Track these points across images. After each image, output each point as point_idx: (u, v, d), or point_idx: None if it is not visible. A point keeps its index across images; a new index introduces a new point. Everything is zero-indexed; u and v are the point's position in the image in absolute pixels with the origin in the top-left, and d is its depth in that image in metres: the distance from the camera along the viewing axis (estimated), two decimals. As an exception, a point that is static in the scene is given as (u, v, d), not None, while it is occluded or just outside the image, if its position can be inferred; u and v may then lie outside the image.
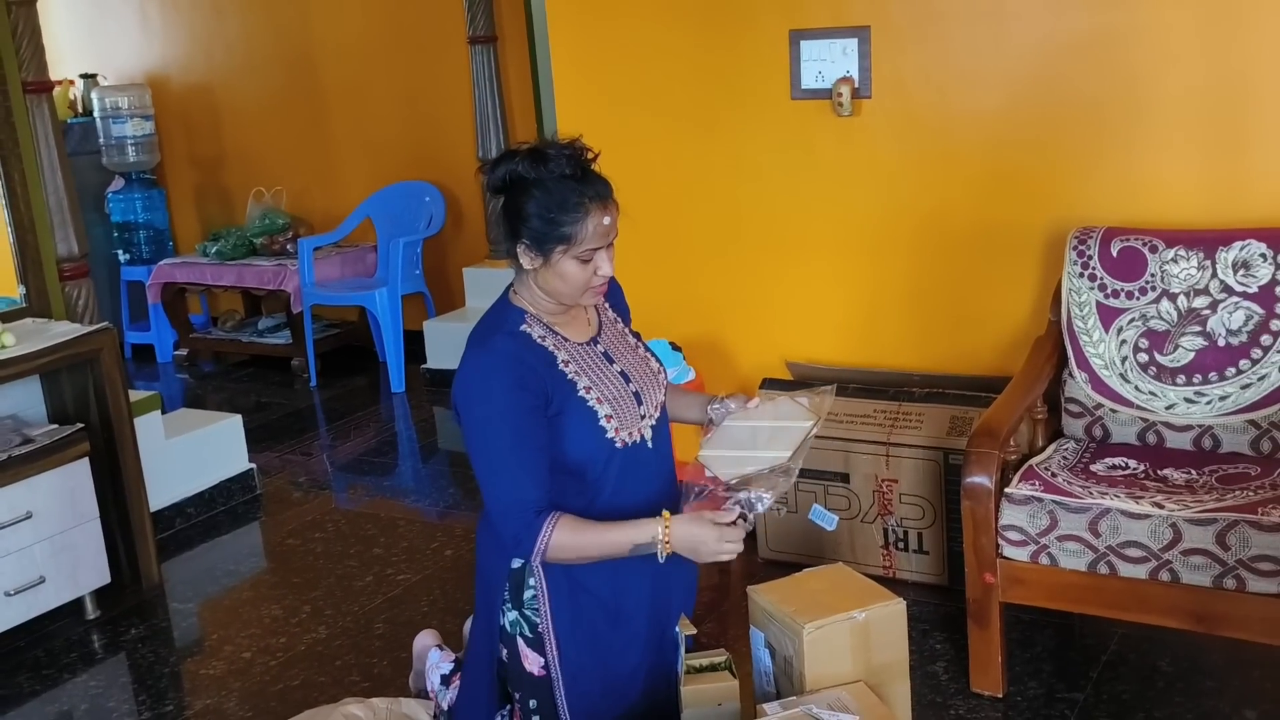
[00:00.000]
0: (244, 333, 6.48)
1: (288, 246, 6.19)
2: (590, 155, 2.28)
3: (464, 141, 5.95)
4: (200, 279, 6.31)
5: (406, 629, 3.37)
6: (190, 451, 4.32)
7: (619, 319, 2.52)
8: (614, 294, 2.54)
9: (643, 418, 2.39)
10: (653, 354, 2.53)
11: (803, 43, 3.55)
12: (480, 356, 2.30)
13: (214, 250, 6.29)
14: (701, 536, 2.23)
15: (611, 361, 2.39)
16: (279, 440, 5.18)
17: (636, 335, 2.56)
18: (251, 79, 6.63)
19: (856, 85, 3.49)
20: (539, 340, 2.32)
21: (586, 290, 2.29)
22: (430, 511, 4.37)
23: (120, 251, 6.69)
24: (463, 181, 6.03)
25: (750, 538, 3.65)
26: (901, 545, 3.39)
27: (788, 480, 2.33)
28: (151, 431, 4.10)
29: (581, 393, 2.31)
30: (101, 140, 6.51)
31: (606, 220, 2.24)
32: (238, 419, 4.52)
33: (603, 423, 2.32)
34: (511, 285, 2.39)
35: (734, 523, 2.25)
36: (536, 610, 2.40)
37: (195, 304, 6.88)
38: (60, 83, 6.97)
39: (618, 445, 2.34)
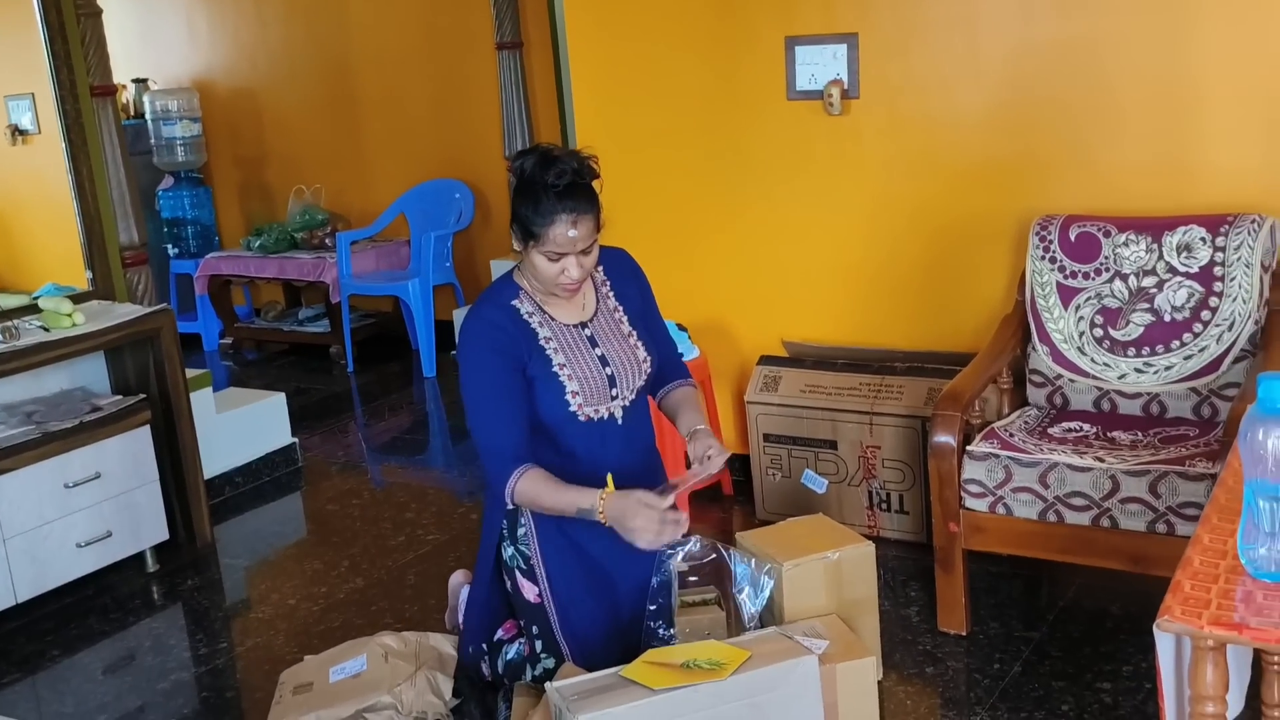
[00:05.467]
0: (285, 322, 6.88)
1: (326, 241, 6.57)
2: (593, 172, 2.62)
3: (492, 142, 6.32)
4: (244, 271, 6.70)
5: (435, 580, 3.72)
6: (238, 426, 4.69)
7: (620, 307, 2.86)
8: (627, 280, 2.89)
9: (614, 399, 2.76)
10: (643, 345, 2.86)
11: (797, 48, 3.88)
12: (470, 321, 2.70)
13: (257, 244, 6.68)
14: (629, 510, 2.50)
15: (595, 346, 2.76)
16: (319, 421, 5.55)
17: (643, 323, 2.90)
18: (292, 84, 7.03)
19: (846, 87, 3.81)
20: (525, 317, 2.70)
21: (556, 285, 2.66)
22: (459, 484, 4.73)
23: (169, 246, 7.10)
24: (490, 179, 6.40)
25: (748, 506, 4.02)
26: (885, 506, 3.72)
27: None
28: (204, 406, 4.47)
29: (555, 368, 2.69)
30: (152, 141, 6.92)
31: (572, 233, 2.58)
32: (281, 397, 4.90)
33: (568, 397, 2.70)
34: (519, 264, 2.78)
35: (669, 510, 2.52)
36: (527, 545, 2.78)
37: (239, 295, 7.28)
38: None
39: (581, 419, 2.72)
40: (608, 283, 2.86)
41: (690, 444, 2.82)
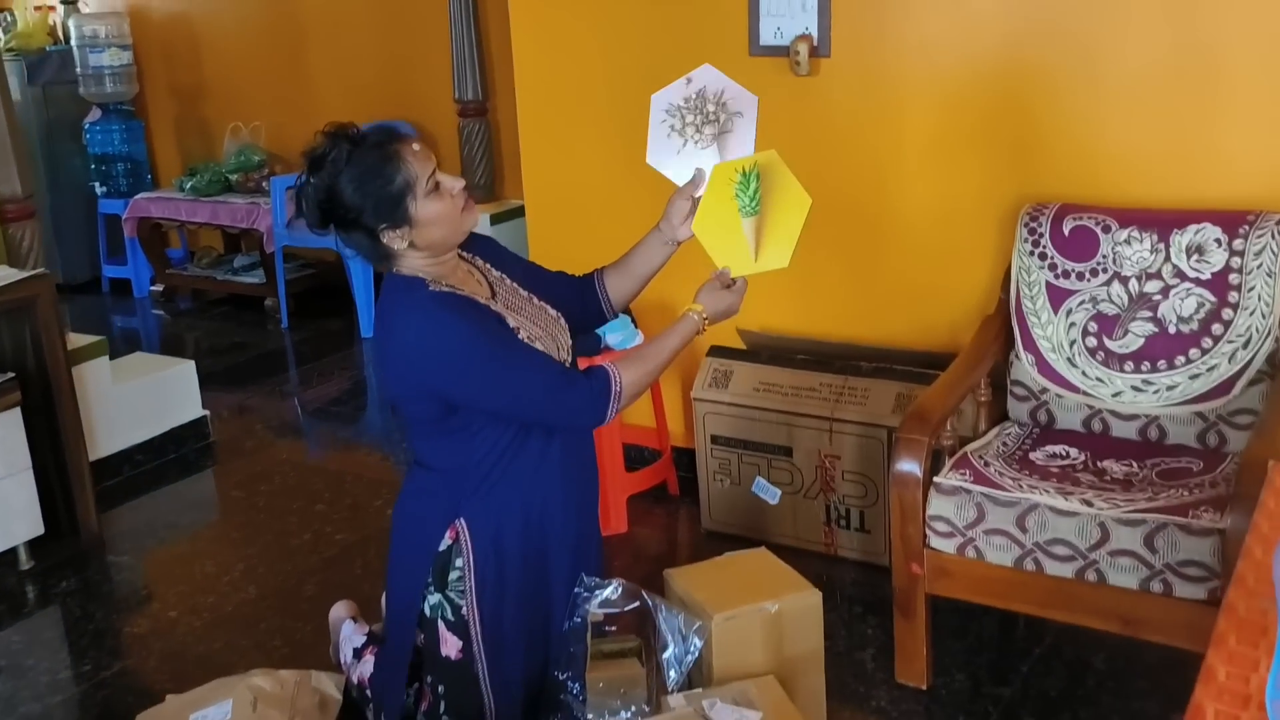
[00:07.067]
0: (220, 270, 6.41)
1: (263, 184, 6.08)
2: (351, 127, 2.27)
3: (441, 82, 5.81)
4: (174, 215, 6.22)
5: (337, 591, 3.30)
6: (140, 398, 4.24)
7: (504, 277, 2.50)
8: (495, 253, 2.53)
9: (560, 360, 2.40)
10: (549, 305, 2.49)
11: (763, -4, 3.39)
12: (420, 314, 2.26)
13: (189, 186, 6.19)
14: (727, 301, 2.49)
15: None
16: (244, 384, 5.13)
17: (532, 282, 2.52)
18: (232, 11, 6.49)
19: (815, 44, 3.34)
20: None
21: (462, 214, 2.29)
22: (381, 469, 4.30)
23: (97, 184, 6.59)
24: (439, 122, 5.90)
25: (694, 510, 3.62)
26: (843, 523, 3.31)
27: None
28: (98, 377, 4.04)
29: (513, 326, 2.32)
30: (79, 69, 6.39)
31: (416, 147, 2.27)
32: (190, 365, 4.44)
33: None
34: (391, 274, 2.35)
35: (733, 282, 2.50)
36: (461, 592, 2.38)
37: (174, 239, 6.80)
38: (40, 9, 6.86)
39: None
40: (478, 258, 2.47)
41: (675, 208, 2.66)
